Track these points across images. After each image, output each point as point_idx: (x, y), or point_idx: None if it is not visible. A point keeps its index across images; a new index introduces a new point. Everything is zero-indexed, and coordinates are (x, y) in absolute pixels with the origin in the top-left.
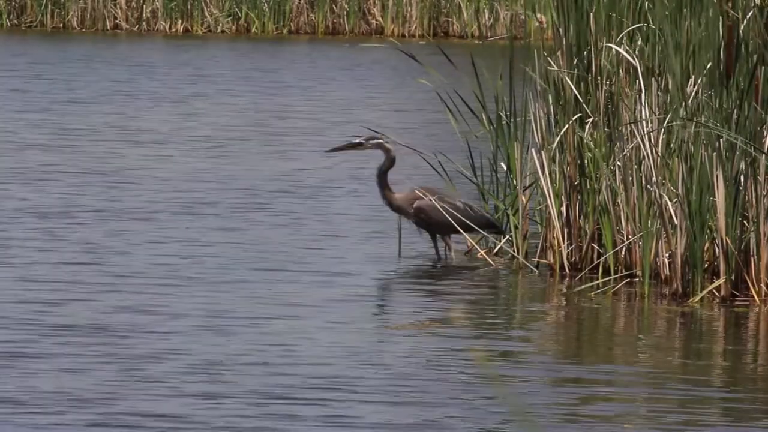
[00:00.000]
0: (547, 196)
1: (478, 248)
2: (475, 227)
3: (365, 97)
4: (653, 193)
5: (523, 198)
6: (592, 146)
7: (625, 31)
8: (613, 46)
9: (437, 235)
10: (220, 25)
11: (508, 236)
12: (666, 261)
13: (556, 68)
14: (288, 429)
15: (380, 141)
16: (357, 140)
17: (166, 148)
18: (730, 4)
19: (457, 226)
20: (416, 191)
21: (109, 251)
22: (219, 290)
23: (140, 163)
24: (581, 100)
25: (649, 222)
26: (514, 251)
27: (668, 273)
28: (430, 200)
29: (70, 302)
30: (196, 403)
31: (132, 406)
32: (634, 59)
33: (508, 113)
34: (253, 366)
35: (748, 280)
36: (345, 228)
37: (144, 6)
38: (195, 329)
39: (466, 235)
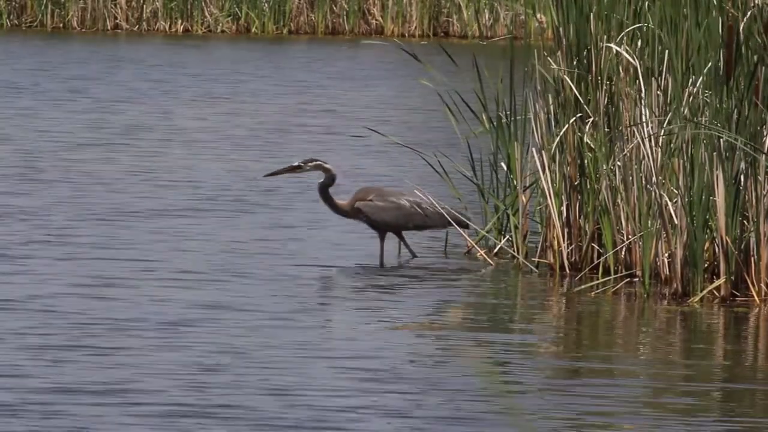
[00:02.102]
0: (547, 196)
1: (478, 248)
2: (423, 225)
3: (375, 95)
4: (653, 193)
5: (523, 198)
6: (592, 146)
7: (625, 31)
8: (613, 46)
9: (401, 234)
10: (220, 25)
11: (508, 236)
12: (666, 261)
13: (556, 68)
14: (329, 421)
15: (319, 163)
16: (296, 163)
17: (207, 146)
18: (730, 4)
19: (401, 224)
20: (358, 193)
21: (165, 248)
22: (248, 285)
23: (186, 161)
24: (581, 100)
25: (649, 222)
26: (514, 251)
27: (668, 273)
28: (371, 200)
29: (126, 298)
30: (240, 394)
31: (194, 398)
32: (634, 59)
33: (508, 113)
34: (274, 361)
35: (748, 280)
36: (346, 226)
37: (144, 6)
38: (234, 323)
39: (465, 230)
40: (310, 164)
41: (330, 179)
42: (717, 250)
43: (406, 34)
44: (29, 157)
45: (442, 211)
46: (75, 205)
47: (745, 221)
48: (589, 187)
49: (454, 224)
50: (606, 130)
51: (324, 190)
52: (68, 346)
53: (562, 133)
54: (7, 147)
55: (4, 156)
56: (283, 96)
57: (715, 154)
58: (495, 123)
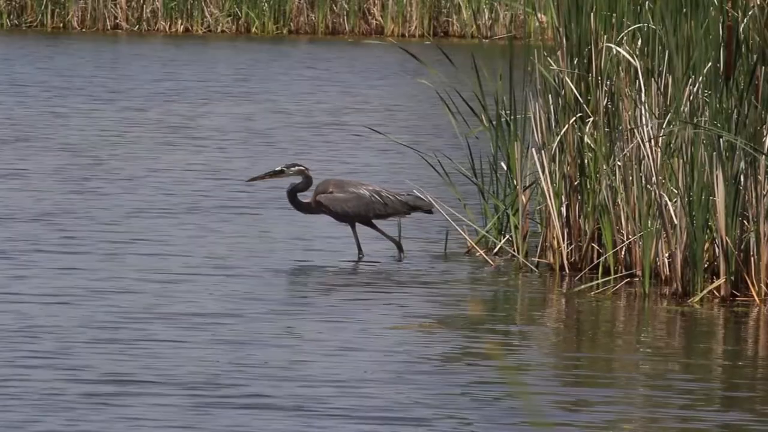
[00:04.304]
0: (547, 195)
1: (478, 248)
2: (384, 213)
3: (377, 95)
4: (653, 193)
5: (523, 198)
6: (592, 146)
7: (626, 31)
8: (613, 46)
9: (372, 224)
10: (220, 25)
11: (508, 236)
12: (666, 261)
13: (556, 68)
14: (363, 412)
15: (300, 168)
16: (278, 168)
17: (239, 145)
18: (729, 4)
19: (361, 214)
20: (318, 186)
21: (210, 244)
22: (259, 283)
23: (225, 162)
24: (581, 100)
25: (649, 222)
26: (514, 251)
27: (668, 273)
28: (331, 192)
29: (175, 293)
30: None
31: (235, 389)
32: (634, 59)
33: (508, 112)
34: (288, 356)
35: (748, 280)
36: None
37: (144, 6)
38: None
39: (464, 229)
40: (292, 169)
41: (305, 184)
42: (717, 250)
43: (406, 34)
44: (76, 156)
45: (400, 198)
46: (119, 202)
47: (745, 221)
48: (589, 187)
49: (419, 210)
50: (606, 130)
51: (293, 194)
52: (114, 339)
53: (562, 133)
54: (52, 146)
55: (54, 158)
56: (295, 96)
57: (715, 154)
58: (495, 123)
